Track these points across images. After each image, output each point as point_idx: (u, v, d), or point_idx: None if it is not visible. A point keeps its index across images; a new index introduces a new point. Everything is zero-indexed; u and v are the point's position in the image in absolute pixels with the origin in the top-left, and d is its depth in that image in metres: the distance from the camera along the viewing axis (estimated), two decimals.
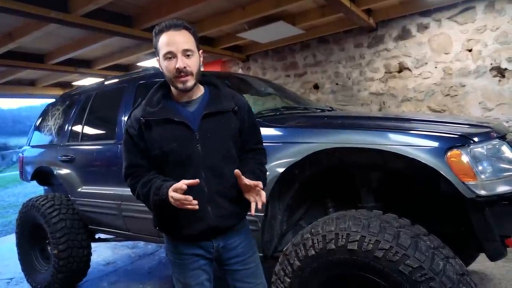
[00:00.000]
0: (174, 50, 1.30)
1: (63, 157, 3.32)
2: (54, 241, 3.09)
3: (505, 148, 1.59)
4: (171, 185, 1.27)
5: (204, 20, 4.67)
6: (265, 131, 1.98)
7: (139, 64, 6.61)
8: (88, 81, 7.17)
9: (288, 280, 1.72)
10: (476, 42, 4.22)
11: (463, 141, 1.54)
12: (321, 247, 1.61)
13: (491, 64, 4.14)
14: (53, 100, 4.13)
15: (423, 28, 4.58)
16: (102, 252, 4.44)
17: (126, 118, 1.44)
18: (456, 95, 4.40)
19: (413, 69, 4.70)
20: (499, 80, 4.12)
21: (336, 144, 1.77)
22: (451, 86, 4.41)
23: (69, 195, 3.30)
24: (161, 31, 1.33)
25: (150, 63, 6.24)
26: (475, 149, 1.53)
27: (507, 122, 4.02)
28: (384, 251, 1.45)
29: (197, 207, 1.25)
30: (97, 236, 3.55)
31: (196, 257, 1.44)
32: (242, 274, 1.49)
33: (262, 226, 1.97)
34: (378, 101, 5.02)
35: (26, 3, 3.37)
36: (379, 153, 1.71)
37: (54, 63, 5.75)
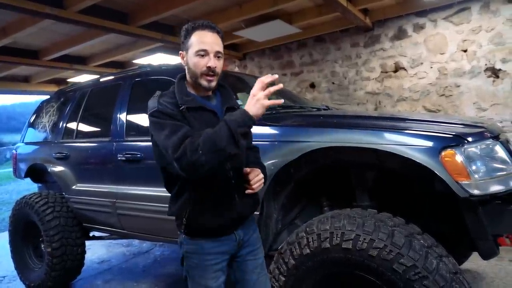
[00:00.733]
0: (209, 49, 1.36)
1: (58, 154, 3.30)
2: (47, 239, 3.07)
3: (498, 148, 1.60)
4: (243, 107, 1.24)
5: (201, 18, 4.60)
6: (261, 129, 1.99)
7: (135, 61, 6.57)
8: (83, 78, 7.12)
9: (283, 278, 1.72)
10: (471, 42, 4.25)
11: (457, 141, 1.55)
12: (316, 246, 1.62)
13: (486, 64, 4.17)
14: (48, 96, 4.10)
15: (419, 28, 4.60)
16: (96, 250, 4.42)
17: (154, 105, 1.33)
18: (451, 95, 4.43)
19: (408, 69, 4.72)
20: (493, 81, 4.15)
21: (332, 143, 1.78)
22: (446, 86, 4.44)
23: (64, 193, 3.28)
24: (195, 28, 1.39)
25: (146, 60, 6.20)
26: (469, 149, 1.54)
27: (500, 122, 4.05)
28: (378, 249, 1.46)
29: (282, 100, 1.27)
30: (91, 234, 3.54)
31: (221, 256, 1.45)
32: (253, 265, 1.51)
33: (257, 225, 1.97)
34: (374, 100, 5.04)
35: None
36: (374, 152, 1.72)
37: (49, 59, 5.70)
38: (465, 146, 1.54)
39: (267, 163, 1.87)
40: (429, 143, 1.57)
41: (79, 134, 3.27)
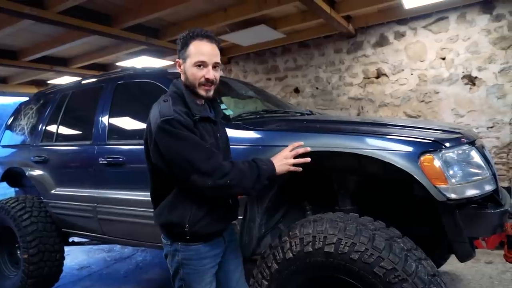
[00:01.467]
0: (207, 60, 1.39)
1: (36, 157, 3.21)
2: (24, 245, 2.97)
3: (474, 154, 1.66)
4: (271, 158, 1.45)
5: (185, 22, 4.64)
6: (245, 134, 1.99)
7: (118, 64, 6.48)
8: (64, 80, 6.97)
9: (266, 282, 1.72)
10: (449, 51, 4.39)
11: (436, 146, 1.60)
12: (298, 250, 1.63)
13: (463, 72, 4.31)
14: (27, 98, 3.99)
15: (400, 35, 4.72)
16: (76, 256, 4.31)
17: (170, 113, 1.32)
18: (430, 101, 4.55)
19: (390, 75, 4.83)
20: (470, 88, 4.29)
21: (315, 148, 1.80)
22: (426, 93, 4.57)
23: (42, 197, 3.19)
24: (194, 38, 1.39)
25: (130, 63, 6.13)
26: (447, 154, 1.59)
27: (476, 128, 4.19)
28: (359, 253, 1.48)
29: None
30: (70, 239, 3.45)
31: (215, 259, 1.50)
32: (234, 263, 1.62)
33: (240, 229, 1.97)
34: (356, 105, 5.13)
35: None
36: (356, 157, 1.75)
37: (28, 60, 5.55)
38: (443, 151, 1.58)
39: None
40: (409, 148, 1.61)
41: (59, 137, 3.19)
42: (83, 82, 3.29)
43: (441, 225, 1.68)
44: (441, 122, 4.06)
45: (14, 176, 3.69)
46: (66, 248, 3.30)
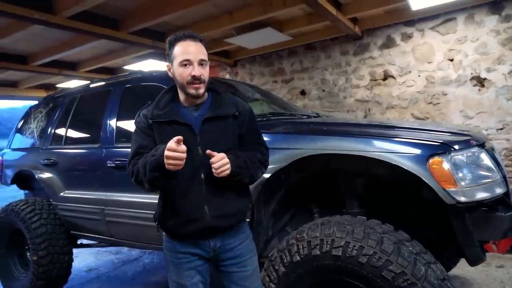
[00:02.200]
0: (192, 58, 1.38)
1: (46, 160, 3.25)
2: (34, 247, 3.00)
3: (484, 156, 1.64)
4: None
5: (191, 26, 4.67)
6: None
7: (125, 67, 6.54)
8: (73, 84, 7.05)
9: (273, 285, 1.72)
10: (457, 52, 4.35)
11: (445, 148, 1.58)
12: (306, 253, 1.62)
13: (471, 73, 4.27)
14: (36, 102, 4.04)
15: (407, 37, 4.69)
16: (84, 258, 4.34)
17: (136, 117, 1.54)
18: (438, 103, 4.51)
19: (397, 77, 4.80)
20: (479, 89, 4.25)
21: (322, 151, 1.79)
22: (434, 94, 4.53)
23: (51, 200, 3.23)
24: (177, 40, 1.41)
25: (137, 66, 6.18)
26: (456, 157, 1.57)
27: (486, 130, 4.14)
28: (368, 256, 1.47)
29: (181, 165, 1.27)
30: (79, 241, 3.48)
31: (193, 256, 1.47)
32: (238, 277, 1.49)
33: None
34: (363, 108, 5.10)
35: (8, 3, 3.30)
36: (364, 160, 1.74)
37: (38, 64, 5.64)
38: (452, 154, 1.57)
39: None
40: (417, 151, 1.60)
41: (68, 140, 3.22)
42: (91, 85, 3.33)
43: (450, 229, 1.66)
44: (450, 124, 4.02)
45: (24, 179, 3.73)
46: (75, 250, 3.32)
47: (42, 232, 3.03)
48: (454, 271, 2.93)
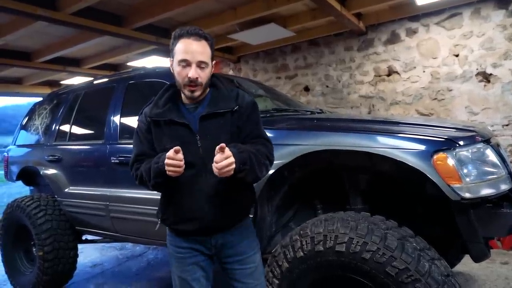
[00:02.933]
0: (190, 59, 1.34)
1: (50, 157, 3.27)
2: (39, 242, 3.03)
3: (489, 152, 1.62)
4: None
5: (195, 21, 4.66)
6: None
7: (129, 63, 6.55)
8: (76, 80, 7.08)
9: (277, 281, 1.72)
10: (462, 47, 4.31)
11: (449, 144, 1.57)
12: (309, 249, 1.62)
13: (477, 69, 4.23)
14: (41, 99, 4.06)
15: (411, 32, 4.65)
16: (89, 254, 4.37)
17: (140, 113, 1.54)
18: (443, 99, 4.48)
19: (401, 73, 4.76)
20: (485, 85, 4.21)
21: (325, 147, 1.79)
22: (439, 90, 4.49)
23: (56, 196, 3.25)
24: (181, 36, 1.36)
25: (141, 63, 6.19)
26: (461, 153, 1.56)
27: (491, 126, 4.11)
28: (371, 252, 1.47)
29: (180, 172, 1.30)
30: (84, 237, 3.50)
31: (195, 251, 1.47)
32: (240, 274, 1.49)
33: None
34: (367, 104, 5.08)
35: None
36: (368, 156, 1.73)
37: (42, 61, 5.66)
38: (457, 150, 1.56)
39: None
40: (422, 147, 1.59)
41: (72, 136, 3.24)
42: (95, 82, 3.34)
43: (455, 225, 1.65)
44: (455, 120, 3.99)
45: (29, 175, 3.76)
46: (80, 246, 3.35)
47: (47, 228, 3.05)
48: (458, 267, 2.92)
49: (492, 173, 1.58)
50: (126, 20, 4.34)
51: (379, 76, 4.95)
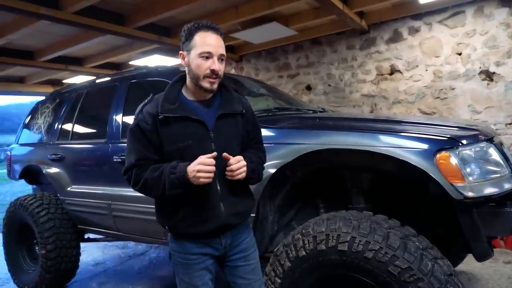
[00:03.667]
0: (213, 51, 1.34)
1: (53, 155, 3.28)
2: (42, 241, 3.04)
3: (492, 151, 1.62)
4: (187, 164, 1.30)
5: (198, 20, 4.65)
6: None
7: (131, 62, 6.55)
8: (79, 79, 7.08)
9: (279, 280, 1.72)
10: (465, 46, 4.28)
11: (452, 143, 1.56)
12: (311, 248, 1.62)
13: (480, 67, 4.21)
14: (43, 97, 4.07)
15: (414, 31, 4.63)
16: (91, 252, 4.39)
17: (136, 115, 1.43)
18: (446, 98, 4.46)
19: (404, 71, 4.75)
20: (488, 84, 4.19)
21: (328, 146, 1.79)
22: (441, 89, 4.47)
23: (58, 194, 3.26)
24: (199, 29, 1.36)
25: (143, 62, 6.19)
26: (464, 152, 1.55)
27: (494, 125, 4.09)
28: (374, 252, 1.46)
29: (211, 178, 1.29)
30: (86, 236, 3.52)
31: (204, 256, 1.45)
32: (243, 270, 1.50)
33: (253, 227, 1.97)
34: (369, 103, 5.06)
35: None
36: (370, 155, 1.72)
37: (44, 60, 5.67)
38: (460, 149, 1.55)
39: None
40: (424, 146, 1.58)
41: (74, 135, 3.25)
42: (97, 81, 3.34)
43: (457, 224, 1.64)
44: (457, 119, 3.97)
45: (32, 174, 3.78)
46: (82, 245, 3.36)
47: (50, 226, 3.06)
48: (461, 266, 2.91)
49: (495, 172, 1.58)
50: (128, 19, 4.35)
51: (382, 75, 4.93)
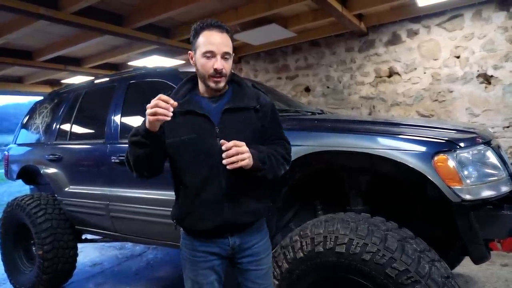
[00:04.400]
0: (216, 50, 1.34)
1: (51, 156, 3.27)
2: (39, 241, 3.03)
3: (490, 154, 1.62)
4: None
5: (196, 21, 4.66)
6: None
7: (130, 63, 6.55)
8: (77, 80, 7.08)
9: (277, 282, 1.72)
10: (463, 49, 4.30)
11: (450, 146, 1.57)
12: (309, 250, 1.62)
13: (478, 71, 4.23)
14: (41, 97, 4.07)
15: (412, 34, 4.65)
16: (88, 253, 4.37)
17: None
18: (444, 101, 4.48)
19: (402, 74, 4.76)
20: (485, 87, 4.21)
21: (326, 147, 1.79)
22: (439, 92, 4.49)
23: (56, 195, 3.25)
24: (203, 28, 1.37)
25: (141, 62, 6.19)
26: (461, 154, 1.56)
27: (492, 128, 4.10)
28: (371, 254, 1.47)
29: (169, 117, 1.21)
30: (84, 236, 3.50)
31: (211, 255, 1.44)
32: (255, 275, 1.47)
33: None
34: (368, 105, 5.08)
35: None
36: (368, 157, 1.73)
37: (43, 60, 5.66)
38: (458, 152, 1.55)
39: None
40: (422, 148, 1.59)
41: (72, 136, 3.24)
42: (96, 81, 3.34)
43: (455, 226, 1.65)
44: (455, 122, 3.99)
45: (29, 174, 3.77)
46: (79, 245, 3.35)
47: (47, 227, 3.05)
48: (458, 269, 2.92)
49: (492, 175, 1.58)
50: (127, 20, 4.35)
51: (380, 77, 4.95)
